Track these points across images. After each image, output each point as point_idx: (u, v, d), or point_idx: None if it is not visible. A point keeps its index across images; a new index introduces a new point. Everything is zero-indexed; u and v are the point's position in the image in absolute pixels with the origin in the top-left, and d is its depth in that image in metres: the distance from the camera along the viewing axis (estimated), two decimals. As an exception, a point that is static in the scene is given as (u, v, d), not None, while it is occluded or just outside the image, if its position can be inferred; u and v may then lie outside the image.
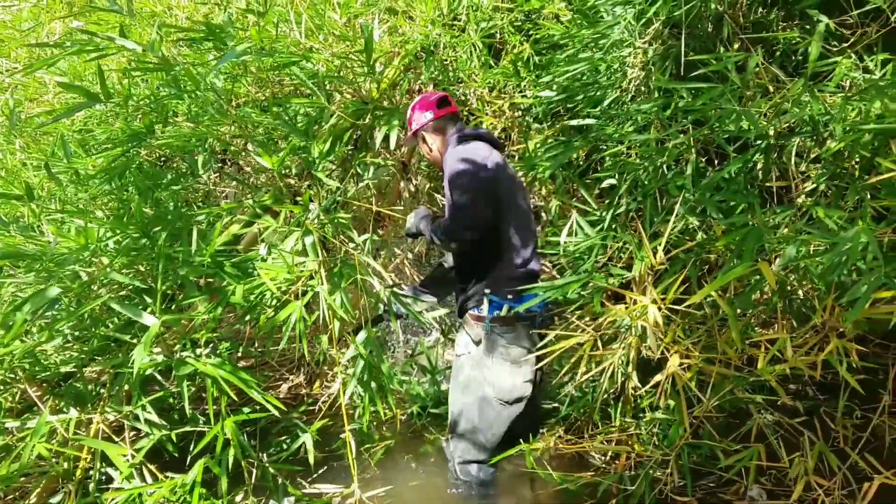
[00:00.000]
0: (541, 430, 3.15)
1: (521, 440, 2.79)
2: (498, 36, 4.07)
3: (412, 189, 4.47)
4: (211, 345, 2.50)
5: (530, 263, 2.84)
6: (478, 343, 2.83)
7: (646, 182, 2.76)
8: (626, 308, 2.36)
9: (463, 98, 4.11)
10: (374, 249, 2.96)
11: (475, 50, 3.90)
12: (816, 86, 2.37)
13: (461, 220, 2.72)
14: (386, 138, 3.26)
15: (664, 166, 2.75)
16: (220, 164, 4.32)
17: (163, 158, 3.88)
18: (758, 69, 2.44)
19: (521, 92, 3.87)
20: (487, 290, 2.80)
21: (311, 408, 3.48)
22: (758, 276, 2.27)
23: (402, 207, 4.27)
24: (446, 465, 3.06)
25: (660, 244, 2.34)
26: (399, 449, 3.21)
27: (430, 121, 3.02)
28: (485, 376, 2.81)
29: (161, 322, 2.18)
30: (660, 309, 2.24)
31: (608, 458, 2.88)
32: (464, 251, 2.88)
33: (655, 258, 2.35)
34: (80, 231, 2.33)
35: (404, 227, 3.18)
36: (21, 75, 3.93)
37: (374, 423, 3.25)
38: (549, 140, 3.54)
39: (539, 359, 2.70)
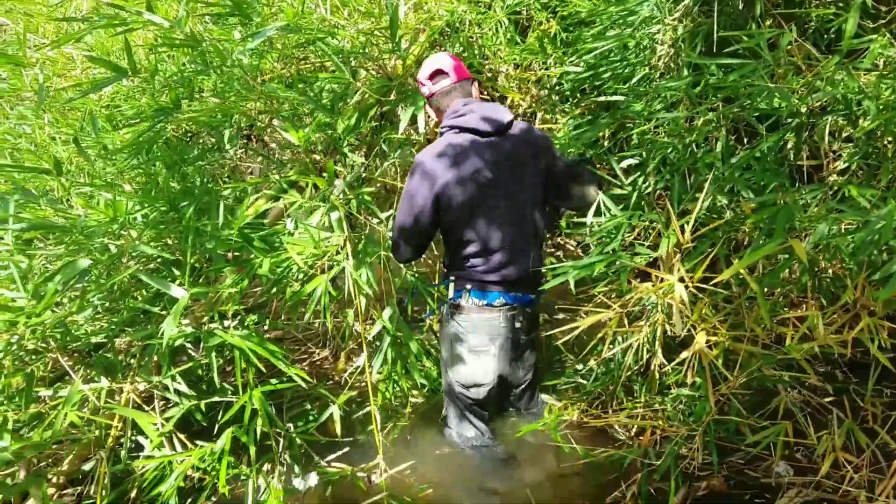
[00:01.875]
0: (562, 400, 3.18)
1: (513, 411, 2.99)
2: (524, 13, 4.04)
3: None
4: (238, 317, 2.51)
5: (503, 271, 2.76)
6: (442, 323, 2.90)
7: (674, 160, 2.74)
8: (653, 286, 2.35)
9: (490, 75, 4.09)
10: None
11: (501, 27, 3.88)
12: (851, 63, 2.33)
13: (393, 245, 2.81)
14: (413, 117, 3.24)
15: (693, 144, 2.72)
16: (245, 140, 4.33)
17: (189, 134, 3.89)
18: (790, 46, 2.40)
19: (547, 69, 3.84)
20: (452, 277, 2.83)
21: (337, 381, 3.52)
22: (787, 255, 2.25)
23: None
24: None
25: (688, 222, 2.33)
26: (421, 426, 3.23)
27: (428, 97, 2.90)
28: (448, 356, 2.88)
29: (190, 294, 2.20)
30: (687, 287, 2.23)
31: (633, 433, 2.88)
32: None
33: (683, 236, 2.33)
34: (108, 204, 2.35)
35: None
36: (49, 50, 3.94)
37: (399, 400, 3.26)
38: (576, 118, 3.51)
39: (519, 351, 2.85)
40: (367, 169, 3.36)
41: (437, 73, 2.83)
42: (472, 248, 2.73)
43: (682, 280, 2.25)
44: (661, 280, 2.30)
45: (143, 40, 3.99)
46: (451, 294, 2.80)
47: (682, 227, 2.32)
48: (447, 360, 2.89)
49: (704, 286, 2.31)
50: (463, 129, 2.73)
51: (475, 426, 2.96)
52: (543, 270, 2.82)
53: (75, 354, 2.45)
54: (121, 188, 2.72)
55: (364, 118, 3.38)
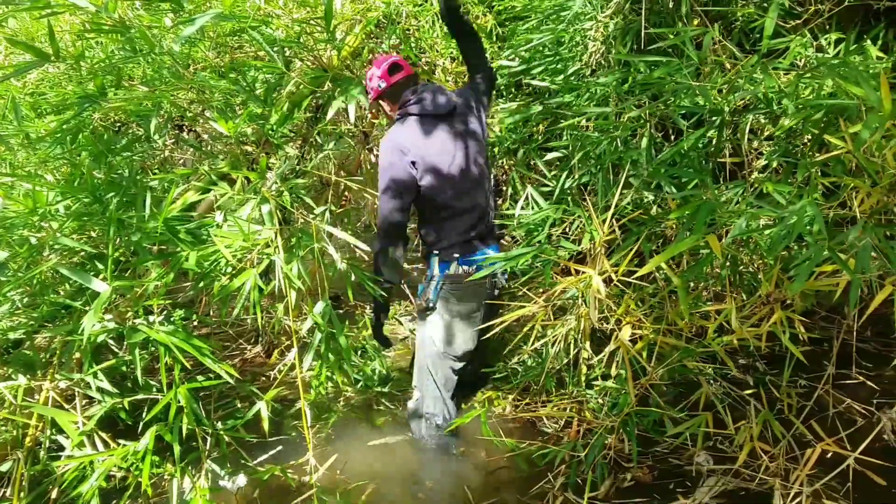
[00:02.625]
0: (491, 391, 3.29)
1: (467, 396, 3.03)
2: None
3: (373, 159, 4.45)
4: (164, 312, 2.47)
5: (476, 227, 2.94)
6: (428, 301, 2.97)
7: (600, 155, 2.78)
8: (575, 279, 2.39)
9: (426, 68, 4.09)
10: (332, 221, 2.94)
11: (437, 20, 3.88)
12: (771, 63, 2.40)
13: (381, 228, 2.87)
14: (345, 109, 3.22)
15: (620, 140, 2.77)
16: (177, 131, 4.24)
17: (118, 124, 3.80)
18: (715, 45, 2.46)
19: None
20: (435, 252, 2.93)
21: (267, 376, 3.49)
22: (709, 250, 2.31)
23: (362, 178, 4.25)
24: (399, 435, 3.12)
25: (608, 217, 2.37)
26: (352, 422, 3.23)
27: (384, 89, 3.02)
28: (435, 332, 2.98)
29: (112, 289, 2.15)
30: (610, 280, 2.27)
31: (560, 425, 2.93)
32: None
33: (604, 230, 2.37)
34: (28, 195, 2.28)
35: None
36: (-31, 34, 3.79)
37: (330, 396, 3.26)
38: (511, 112, 3.54)
39: (486, 322, 2.80)
40: (301, 161, 3.32)
41: (394, 67, 3.01)
42: (448, 214, 2.90)
43: (603, 273, 2.29)
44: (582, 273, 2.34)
45: (70, 26, 3.88)
46: (436, 269, 2.93)
47: (603, 221, 2.37)
48: (437, 337, 2.98)
49: (630, 280, 2.35)
50: (421, 114, 2.91)
51: (454, 404, 3.07)
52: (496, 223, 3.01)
53: (-7, 351, 2.38)
54: (42, 178, 2.64)
55: (298, 109, 3.35)
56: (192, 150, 3.84)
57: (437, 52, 3.99)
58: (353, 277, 2.85)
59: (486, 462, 2.85)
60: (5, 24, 3.77)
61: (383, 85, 3.01)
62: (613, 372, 2.58)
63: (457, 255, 2.89)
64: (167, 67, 3.04)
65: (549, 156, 3.00)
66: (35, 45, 2.50)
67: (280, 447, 2.83)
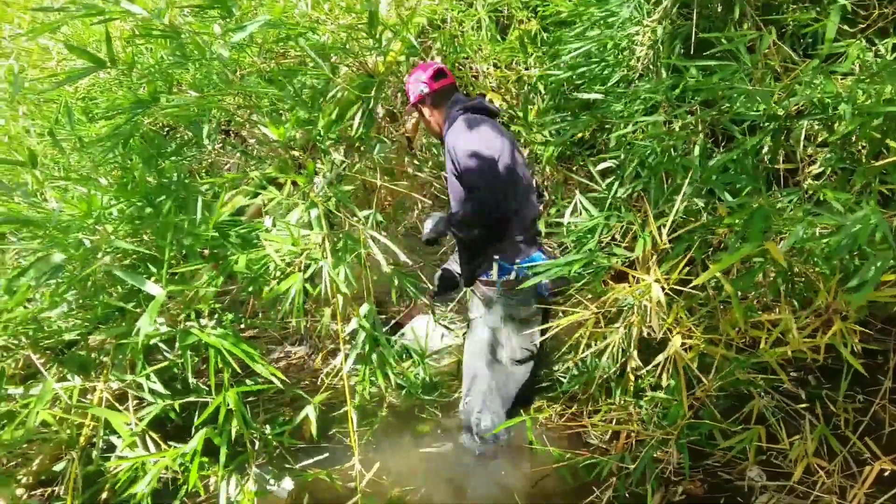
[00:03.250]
0: (537, 400, 3.25)
1: (520, 408, 2.98)
2: (505, 11, 4.03)
3: (416, 164, 4.46)
4: (215, 315, 2.49)
5: (530, 231, 2.96)
6: (488, 306, 2.95)
7: (652, 163, 2.75)
8: (630, 287, 2.36)
9: (470, 73, 4.08)
10: (377, 225, 2.94)
11: (482, 24, 3.87)
12: (828, 67, 2.35)
13: (478, 213, 2.81)
14: (391, 114, 3.25)
15: (671, 147, 2.73)
16: (223, 136, 4.29)
17: (166, 128, 3.85)
18: (768, 50, 2.41)
19: (527, 68, 3.84)
20: (496, 256, 2.89)
21: (313, 379, 3.50)
22: (762, 258, 2.26)
23: (406, 183, 4.26)
24: (445, 442, 3.11)
25: (664, 224, 2.33)
26: (397, 428, 3.23)
27: (426, 94, 3.05)
28: (496, 338, 2.94)
29: (166, 292, 2.17)
30: (663, 289, 2.24)
31: (607, 436, 2.89)
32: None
33: (661, 237, 2.34)
34: (83, 198, 2.32)
35: (422, 233, 3.14)
36: (25, 40, 3.87)
37: (374, 401, 3.26)
38: (555, 120, 3.52)
39: (543, 328, 2.78)
40: (346, 167, 3.33)
41: (439, 73, 3.06)
42: (513, 216, 2.89)
43: (657, 281, 2.26)
44: (638, 281, 2.31)
45: (120, 32, 3.95)
46: (496, 273, 2.90)
47: (658, 228, 2.33)
48: (489, 343, 2.95)
49: (680, 288, 2.31)
50: (478, 110, 2.95)
51: (503, 412, 3.01)
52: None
53: (47, 352, 2.42)
54: (96, 182, 2.68)
55: (345, 115, 3.36)
56: (237, 154, 3.87)
57: (482, 57, 3.98)
58: (396, 282, 2.87)
59: (532, 472, 2.82)
60: (59, 30, 3.85)
61: (426, 90, 3.04)
62: (664, 383, 2.54)
63: (517, 260, 2.87)
64: (216, 73, 3.07)
65: (601, 166, 2.97)
66: (91, 52, 2.54)
67: (325, 453, 2.83)
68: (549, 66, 3.50)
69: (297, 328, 3.86)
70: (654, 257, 2.42)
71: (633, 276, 2.33)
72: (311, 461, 2.75)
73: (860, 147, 2.55)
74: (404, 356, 3.36)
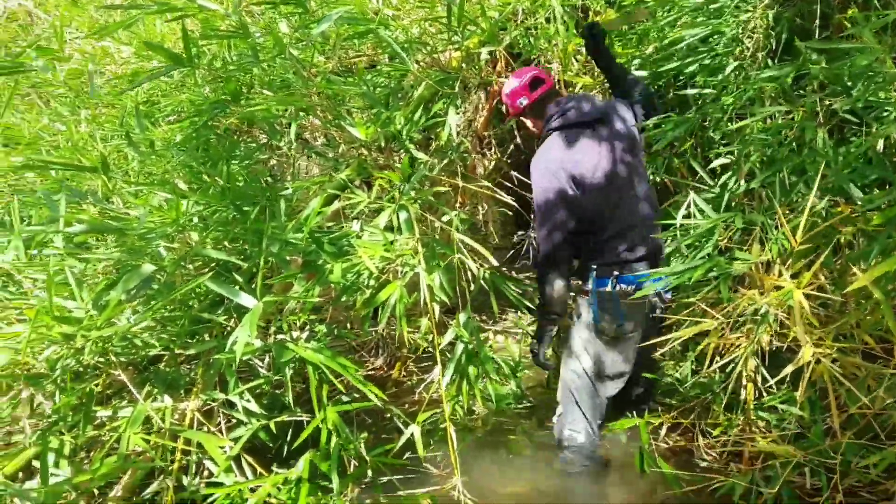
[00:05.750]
0: (649, 408, 3.04)
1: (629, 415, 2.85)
2: (580, 2, 3.83)
3: (487, 164, 4.26)
4: (307, 328, 2.32)
5: (638, 244, 2.73)
6: (580, 316, 2.80)
7: (772, 157, 2.52)
8: (761, 292, 2.16)
9: (547, 66, 3.89)
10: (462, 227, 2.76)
11: (558, 16, 3.67)
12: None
13: (544, 256, 2.73)
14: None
15: (794, 140, 2.50)
16: (301, 139, 4.13)
17: (237, 131, 3.70)
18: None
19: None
20: (593, 266, 2.72)
21: (396, 392, 3.32)
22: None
23: (479, 183, 4.07)
24: (540, 458, 2.93)
25: (797, 224, 2.13)
26: (489, 443, 3.04)
27: (525, 107, 2.89)
28: (585, 349, 2.77)
29: (263, 304, 2.01)
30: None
31: (724, 454, 2.67)
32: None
33: (796, 239, 2.13)
34: (169, 204, 2.16)
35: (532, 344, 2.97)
36: (96, 42, 3.75)
37: (467, 417, 3.07)
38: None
39: (648, 341, 2.63)
40: (429, 167, 3.16)
41: (535, 81, 2.88)
42: (611, 232, 2.71)
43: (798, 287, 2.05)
44: (766, 286, 2.11)
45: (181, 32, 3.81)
46: (591, 284, 2.71)
47: (793, 229, 2.12)
48: (586, 357, 2.78)
49: (810, 293, 2.10)
50: (567, 125, 2.76)
51: (599, 427, 2.84)
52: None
53: (129, 368, 2.25)
54: (175, 187, 2.53)
55: (425, 113, 3.19)
56: (313, 156, 3.70)
57: (560, 50, 3.78)
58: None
59: (645, 488, 2.61)
60: (121, 32, 3.73)
61: (525, 102, 2.88)
62: (799, 397, 2.31)
63: (616, 273, 2.67)
64: (292, 72, 2.92)
65: (717, 162, 2.74)
66: (170, 49, 2.39)
67: (420, 467, 2.65)
68: (654, 58, 3.29)
69: (373, 337, 3.68)
70: (790, 261, 2.23)
71: (768, 282, 2.12)
72: (402, 477, 2.55)
73: None
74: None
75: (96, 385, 2.11)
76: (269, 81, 3.20)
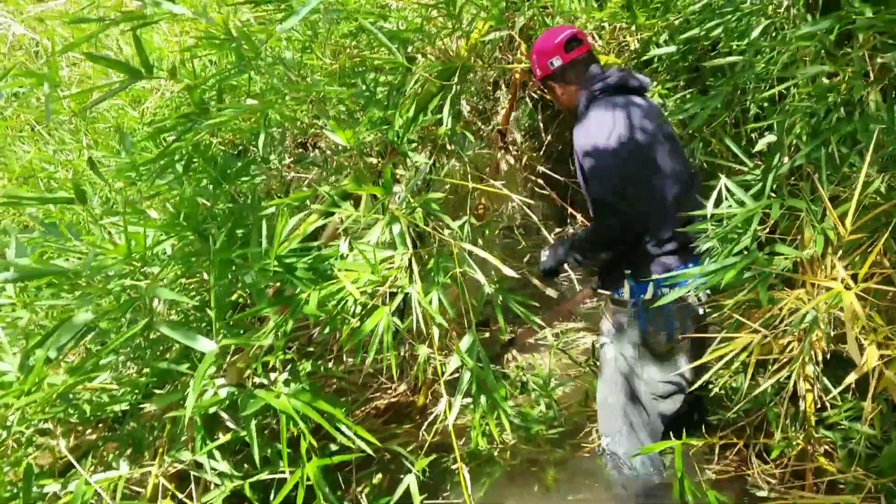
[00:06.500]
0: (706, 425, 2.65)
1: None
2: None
3: (510, 161, 3.94)
4: (289, 366, 2.05)
5: (679, 237, 2.37)
6: (620, 331, 2.44)
7: (819, 128, 2.13)
8: (805, 294, 1.82)
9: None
10: (473, 237, 2.47)
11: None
12: None
13: (604, 233, 2.40)
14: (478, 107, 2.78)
15: (840, 107, 2.11)
16: (300, 150, 3.90)
17: (239, 147, 3.47)
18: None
19: (638, 31, 3.29)
20: (628, 272, 2.39)
21: (419, 421, 3.04)
22: None
23: (502, 183, 3.76)
24: (581, 489, 2.61)
25: (847, 209, 1.77)
26: (519, 477, 2.73)
27: (557, 68, 2.55)
28: (632, 369, 2.43)
29: (220, 346, 1.75)
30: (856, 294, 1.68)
31: (786, 477, 2.31)
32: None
33: (846, 227, 1.77)
34: (134, 236, 1.92)
35: (538, 265, 2.73)
36: (78, 60, 3.58)
37: (491, 446, 2.76)
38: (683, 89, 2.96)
39: (697, 354, 2.25)
40: (432, 170, 2.87)
41: (573, 40, 2.56)
42: (651, 219, 2.38)
43: (848, 287, 1.71)
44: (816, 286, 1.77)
45: (175, 44, 3.61)
46: (627, 292, 2.40)
47: (841, 215, 1.78)
48: (630, 372, 2.45)
49: (871, 286, 1.77)
50: (618, 89, 2.48)
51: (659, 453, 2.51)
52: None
53: (99, 426, 2.02)
54: (145, 216, 2.30)
55: (425, 110, 2.89)
56: (317, 169, 3.44)
57: (581, 25, 3.45)
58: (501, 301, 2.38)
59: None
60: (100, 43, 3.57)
61: (558, 62, 2.55)
62: (866, 409, 1.94)
63: (654, 275, 2.34)
64: (277, 77, 2.66)
65: (762, 142, 2.34)
66: (122, 62, 2.15)
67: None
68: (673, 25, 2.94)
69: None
70: (836, 252, 1.87)
71: (813, 282, 1.78)
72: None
73: None
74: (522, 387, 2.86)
75: (54, 451, 1.88)
76: (259, 89, 2.97)
